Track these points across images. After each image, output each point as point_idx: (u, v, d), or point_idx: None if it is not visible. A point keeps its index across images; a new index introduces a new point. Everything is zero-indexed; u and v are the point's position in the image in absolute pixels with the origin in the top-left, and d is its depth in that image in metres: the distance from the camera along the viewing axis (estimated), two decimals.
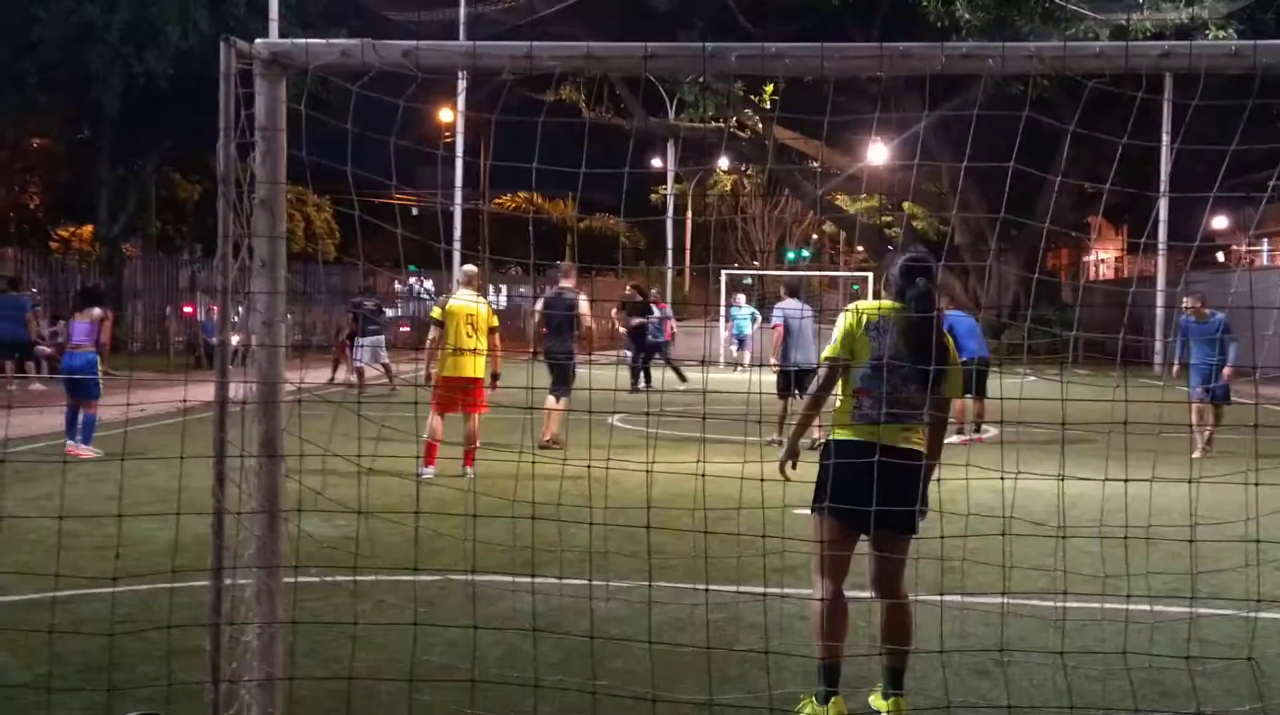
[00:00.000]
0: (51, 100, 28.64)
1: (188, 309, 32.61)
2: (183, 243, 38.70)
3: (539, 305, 13.35)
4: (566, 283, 12.93)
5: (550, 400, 12.40)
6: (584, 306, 12.76)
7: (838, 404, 4.71)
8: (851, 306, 4.79)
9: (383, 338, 19.81)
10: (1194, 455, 10.27)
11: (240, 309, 4.05)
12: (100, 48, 25.88)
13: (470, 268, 11.56)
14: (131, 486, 9.44)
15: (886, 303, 4.75)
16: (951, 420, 12.95)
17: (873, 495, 4.34)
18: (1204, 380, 10.23)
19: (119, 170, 31.56)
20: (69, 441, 11.80)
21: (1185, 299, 11.02)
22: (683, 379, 20.68)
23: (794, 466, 4.83)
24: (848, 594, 4.71)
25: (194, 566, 4.70)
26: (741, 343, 28.50)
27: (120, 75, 26.33)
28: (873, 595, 4.81)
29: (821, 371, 4.81)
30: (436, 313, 10.98)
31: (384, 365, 19.49)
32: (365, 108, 4.62)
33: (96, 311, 12.25)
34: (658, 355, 21.86)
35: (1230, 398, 11.46)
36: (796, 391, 12.21)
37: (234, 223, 3.91)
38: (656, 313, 22.41)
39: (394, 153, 4.69)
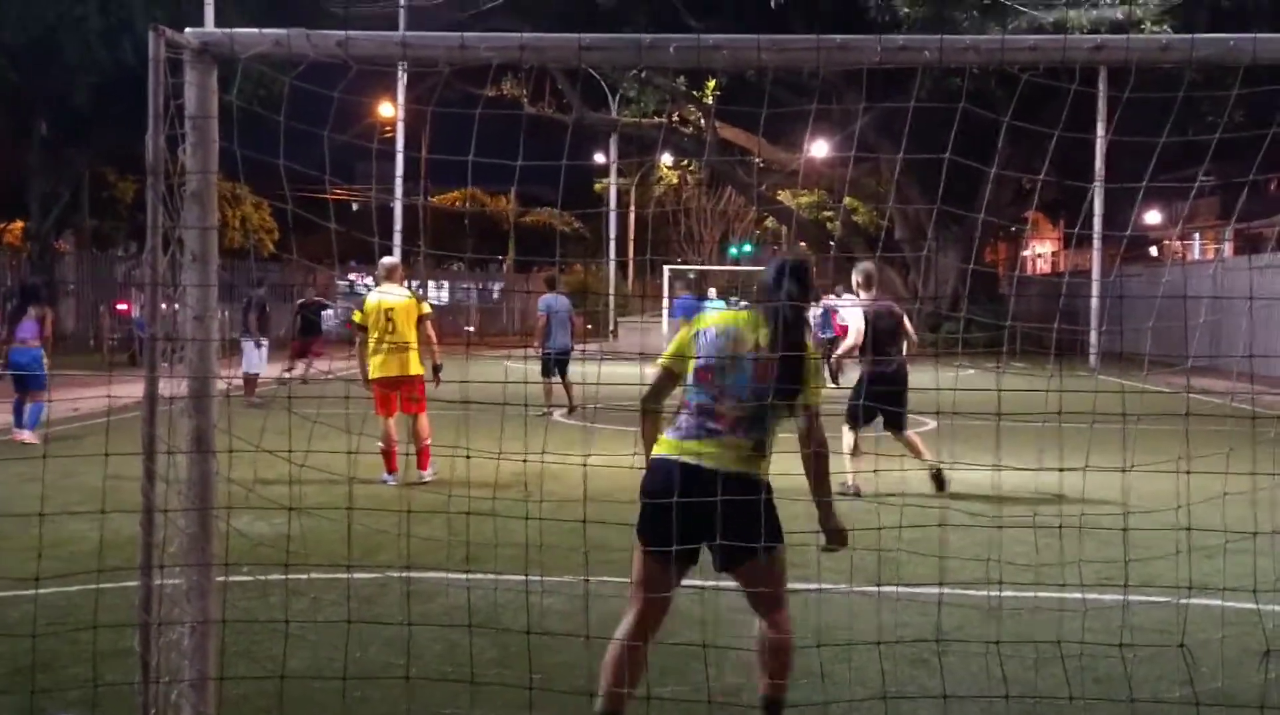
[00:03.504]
0: None
1: (122, 306, 32.10)
2: (118, 239, 38.11)
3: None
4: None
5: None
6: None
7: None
8: (699, 315, 4.41)
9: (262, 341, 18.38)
10: None
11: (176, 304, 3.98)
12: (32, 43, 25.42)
13: (389, 259, 11.01)
14: (64, 486, 9.27)
15: (745, 313, 4.37)
16: None
17: (678, 519, 3.97)
18: None
19: (51, 164, 31.00)
20: (15, 429, 12.58)
21: None
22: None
23: None
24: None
25: (127, 566, 4.62)
26: None
27: (53, 71, 25.91)
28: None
29: (650, 376, 4.40)
30: (357, 316, 10.58)
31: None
32: (305, 105, 4.57)
33: (37, 308, 12.92)
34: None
35: None
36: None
37: (164, 215, 3.84)
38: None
39: (335, 149, 4.63)
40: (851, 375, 10.20)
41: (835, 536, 4.32)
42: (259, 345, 17.85)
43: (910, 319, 10.34)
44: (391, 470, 10.03)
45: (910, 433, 9.76)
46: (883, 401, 9.31)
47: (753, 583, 4.21)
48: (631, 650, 4.15)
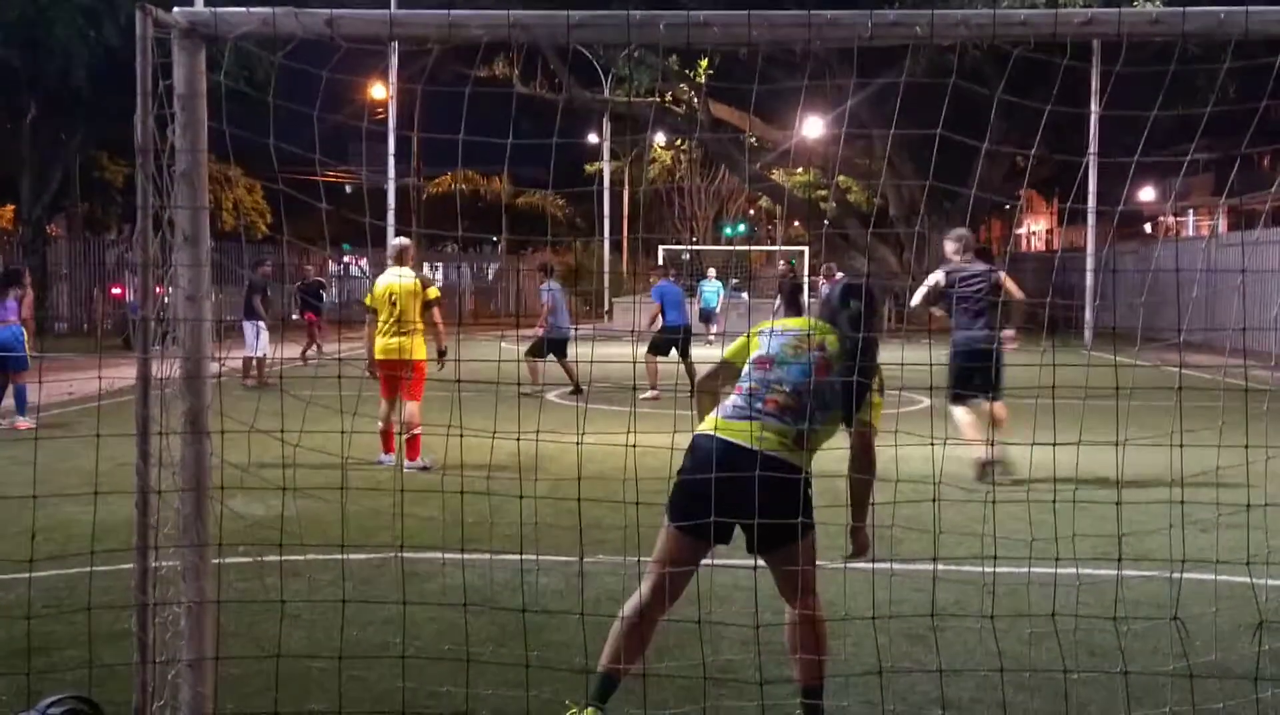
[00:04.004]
0: None
1: (116, 290, 32.05)
2: (111, 223, 37.98)
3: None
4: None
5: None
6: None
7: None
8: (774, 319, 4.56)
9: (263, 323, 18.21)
10: None
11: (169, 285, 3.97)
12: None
13: (400, 241, 10.86)
14: (59, 469, 9.26)
15: (817, 322, 4.46)
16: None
17: (711, 497, 4.01)
18: None
19: (42, 148, 30.87)
20: (16, 418, 12.62)
21: None
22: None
23: None
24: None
25: (123, 548, 4.62)
26: (709, 317, 28.53)
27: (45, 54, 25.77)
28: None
29: (710, 364, 4.62)
30: (368, 298, 10.63)
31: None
32: (296, 86, 4.54)
33: (18, 290, 12.91)
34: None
35: None
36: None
37: (154, 195, 3.83)
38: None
39: (326, 130, 4.61)
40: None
41: (862, 549, 4.44)
42: (256, 328, 17.78)
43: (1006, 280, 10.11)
44: (388, 451, 10.03)
45: (1000, 407, 9.65)
46: (976, 374, 9.35)
47: (782, 569, 4.24)
48: (641, 625, 4.18)
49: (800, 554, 4.17)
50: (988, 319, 9.76)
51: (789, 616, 4.31)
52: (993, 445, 9.09)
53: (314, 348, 20.70)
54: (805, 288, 23.78)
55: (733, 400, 4.31)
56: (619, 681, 4.19)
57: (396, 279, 10.22)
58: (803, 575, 4.22)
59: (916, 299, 10.04)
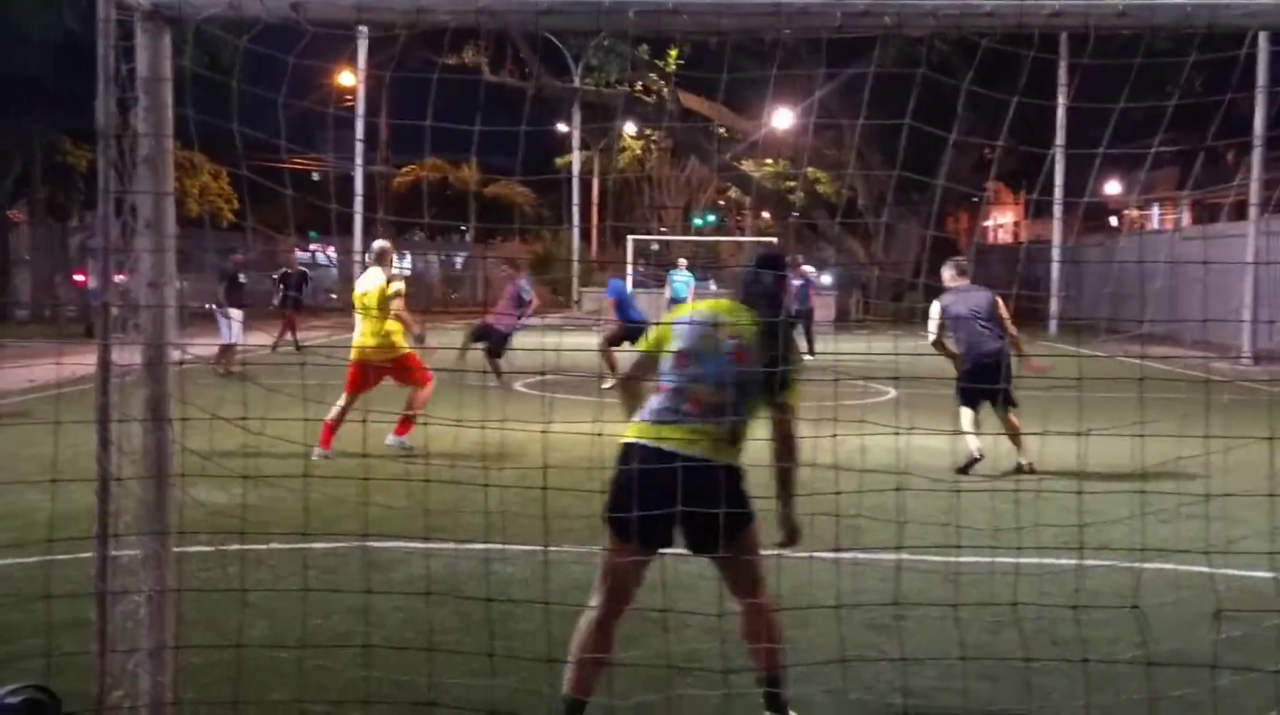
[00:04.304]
0: None
1: (79, 277, 31.69)
2: (74, 209, 37.51)
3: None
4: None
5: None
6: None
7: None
8: (691, 302, 4.54)
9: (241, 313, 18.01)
10: None
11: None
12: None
13: (379, 243, 10.88)
14: (19, 456, 9.16)
15: (728, 301, 4.39)
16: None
17: (652, 504, 3.96)
18: None
19: (3, 133, 30.44)
20: None
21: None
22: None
23: None
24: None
25: (83, 536, 4.58)
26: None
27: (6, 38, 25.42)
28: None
29: (633, 361, 4.51)
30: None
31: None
32: (263, 72, 4.49)
33: None
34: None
35: None
36: None
37: (116, 180, 3.78)
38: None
39: (293, 117, 4.56)
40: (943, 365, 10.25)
41: (793, 536, 4.34)
42: (227, 317, 17.60)
43: (1005, 306, 10.36)
44: (325, 445, 9.88)
45: (1013, 416, 9.76)
46: (985, 381, 9.40)
47: (728, 566, 4.22)
48: (601, 641, 4.14)
49: (744, 549, 4.17)
50: (994, 334, 9.89)
51: (741, 608, 4.30)
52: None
53: (288, 338, 20.45)
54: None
55: (658, 402, 4.21)
56: (586, 703, 4.13)
57: (364, 283, 10.40)
58: (749, 567, 4.21)
59: (933, 333, 10.15)
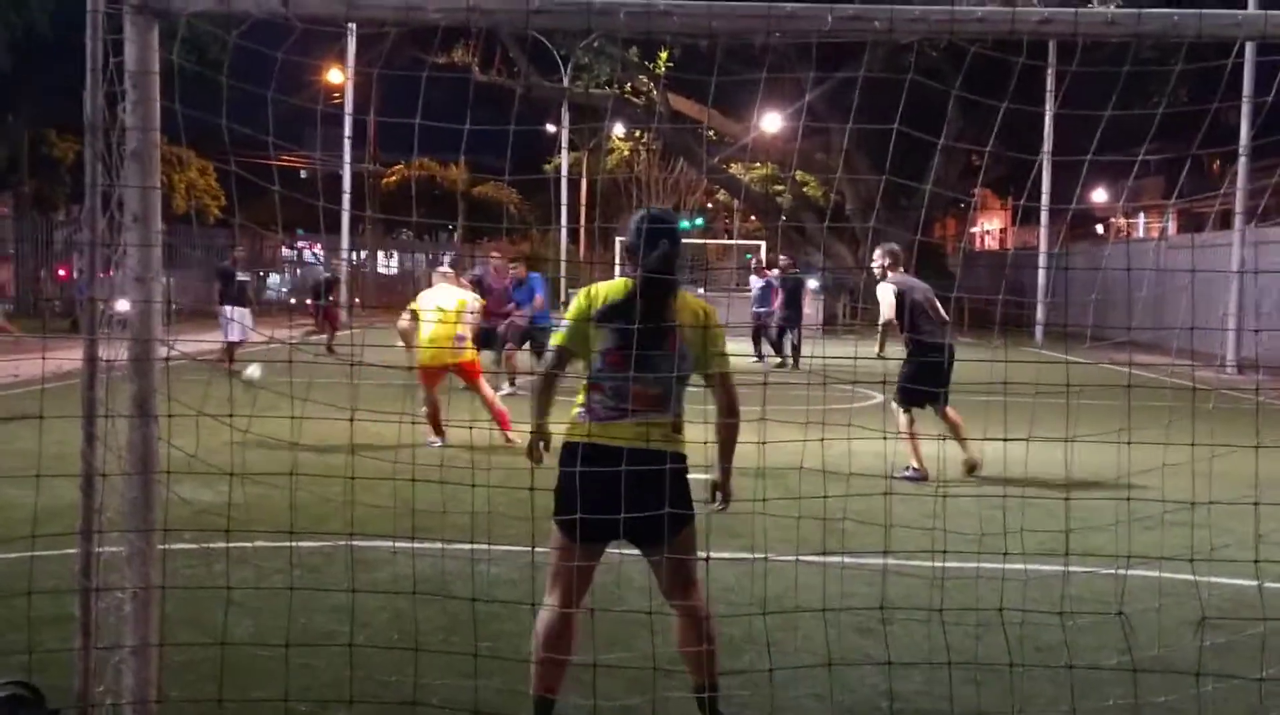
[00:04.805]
0: None
1: (62, 271, 31.57)
2: (59, 202, 37.33)
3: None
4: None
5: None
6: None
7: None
8: (585, 288, 4.29)
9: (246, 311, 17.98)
10: None
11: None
12: None
13: (448, 262, 12.04)
14: (2, 451, 9.12)
15: (624, 281, 4.25)
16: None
17: (604, 502, 3.96)
18: None
19: None
20: None
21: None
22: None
23: (546, 448, 4.41)
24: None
25: (67, 532, 4.55)
26: None
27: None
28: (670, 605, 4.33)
29: (548, 357, 4.37)
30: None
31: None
32: (252, 68, 4.48)
33: None
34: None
35: None
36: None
37: (103, 174, 3.77)
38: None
39: (282, 114, 4.55)
40: (886, 352, 9.89)
41: (726, 500, 4.28)
42: (225, 317, 17.55)
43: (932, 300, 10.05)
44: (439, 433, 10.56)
45: (952, 412, 9.67)
46: (930, 381, 9.19)
47: (667, 565, 4.17)
48: (559, 643, 4.12)
49: (683, 545, 4.14)
50: (936, 329, 9.74)
51: (676, 613, 4.25)
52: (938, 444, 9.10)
53: (325, 336, 20.45)
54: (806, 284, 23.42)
55: (599, 399, 4.15)
56: (555, 701, 4.13)
57: (452, 296, 11.16)
58: (685, 567, 4.18)
59: (889, 315, 9.74)
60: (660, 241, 4.14)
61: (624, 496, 3.97)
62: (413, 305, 11.26)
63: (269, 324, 20.53)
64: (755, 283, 22.57)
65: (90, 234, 3.77)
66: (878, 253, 10.17)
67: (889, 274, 9.96)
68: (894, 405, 9.69)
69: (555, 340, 4.30)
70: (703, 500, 4.23)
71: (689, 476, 4.17)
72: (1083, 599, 5.73)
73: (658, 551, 4.15)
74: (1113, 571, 5.90)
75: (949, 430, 9.48)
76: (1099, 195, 48.44)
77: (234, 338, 17.33)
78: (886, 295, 9.76)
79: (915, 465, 9.53)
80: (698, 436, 4.22)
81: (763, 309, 21.82)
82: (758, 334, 21.61)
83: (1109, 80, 5.54)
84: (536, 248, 45.92)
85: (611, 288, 4.23)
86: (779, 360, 21.08)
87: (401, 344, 10.68)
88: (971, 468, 9.54)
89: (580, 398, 4.21)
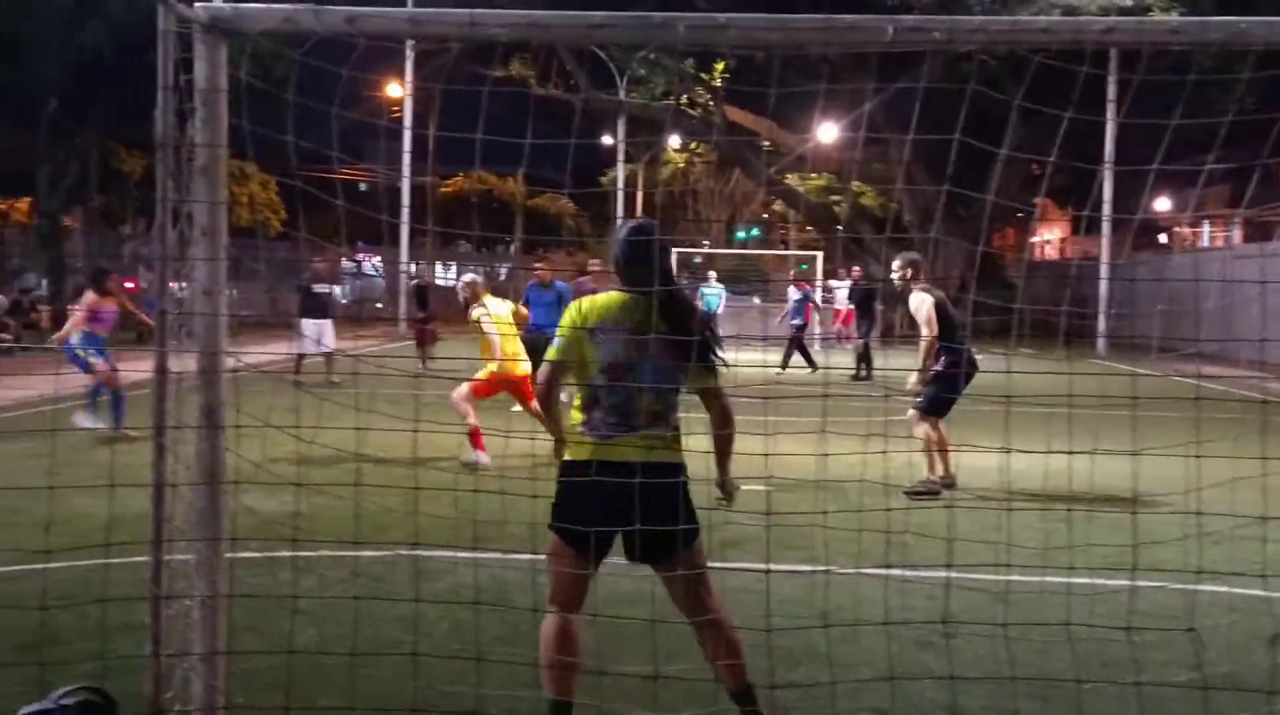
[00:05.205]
0: None
1: (129, 284, 32.14)
2: (126, 216, 38.06)
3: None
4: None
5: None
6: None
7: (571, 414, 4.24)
8: (576, 302, 4.29)
9: (328, 322, 18.47)
10: None
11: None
12: (42, 18, 25.42)
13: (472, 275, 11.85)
14: (74, 461, 9.28)
15: (618, 295, 4.23)
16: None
17: (609, 519, 3.99)
18: None
19: (59, 141, 30.96)
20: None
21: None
22: None
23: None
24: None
25: (136, 541, 4.64)
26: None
27: (63, 46, 25.91)
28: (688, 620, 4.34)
29: (544, 371, 4.31)
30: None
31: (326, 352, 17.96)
32: (317, 86, 4.54)
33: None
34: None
35: None
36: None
37: (173, 189, 3.84)
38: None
39: (344, 127, 4.61)
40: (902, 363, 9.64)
41: (730, 496, 4.35)
42: (300, 330, 17.91)
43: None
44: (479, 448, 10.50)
45: (944, 428, 9.38)
46: (958, 389, 8.92)
47: (682, 579, 4.17)
48: (565, 640, 4.15)
49: (696, 557, 4.16)
50: (962, 338, 9.55)
51: (700, 626, 4.25)
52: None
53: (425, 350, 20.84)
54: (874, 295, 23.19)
55: (600, 417, 4.13)
56: (571, 702, 4.17)
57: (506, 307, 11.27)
58: (702, 578, 4.18)
59: (935, 330, 9.35)
60: (645, 253, 4.15)
61: (631, 515, 3.96)
62: (484, 313, 11.09)
63: (343, 335, 20.83)
64: (793, 294, 22.42)
65: (161, 248, 3.84)
66: (897, 262, 9.83)
67: (911, 285, 9.65)
68: (913, 414, 9.37)
69: (550, 354, 4.28)
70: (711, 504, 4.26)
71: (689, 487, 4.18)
72: (1150, 614, 5.64)
73: (671, 568, 4.16)
74: (1181, 586, 5.81)
75: (934, 442, 9.26)
76: (1163, 203, 47.75)
77: (312, 349, 17.65)
78: (927, 307, 9.43)
79: (937, 475, 9.26)
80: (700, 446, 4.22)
81: (797, 321, 21.73)
82: (798, 345, 21.47)
83: (1171, 88, 5.47)
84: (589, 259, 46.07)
85: (607, 301, 4.24)
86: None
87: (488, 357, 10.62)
88: (950, 483, 9.31)
89: (576, 412, 4.21)
